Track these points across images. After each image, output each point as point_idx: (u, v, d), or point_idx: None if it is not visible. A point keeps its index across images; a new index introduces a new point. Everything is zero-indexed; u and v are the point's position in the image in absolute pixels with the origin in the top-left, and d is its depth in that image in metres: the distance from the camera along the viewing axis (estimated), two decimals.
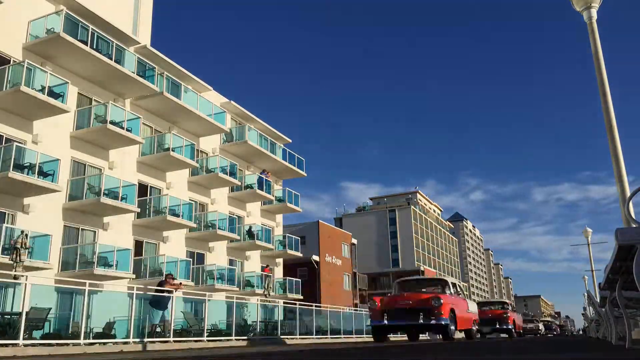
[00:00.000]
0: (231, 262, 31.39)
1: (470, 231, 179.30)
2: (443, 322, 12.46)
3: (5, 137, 19.75)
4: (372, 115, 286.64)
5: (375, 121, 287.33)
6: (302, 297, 34.56)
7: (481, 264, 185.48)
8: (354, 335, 26.29)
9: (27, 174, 18.80)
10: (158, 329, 14.91)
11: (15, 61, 20.19)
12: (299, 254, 37.34)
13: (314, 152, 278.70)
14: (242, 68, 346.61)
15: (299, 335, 22.02)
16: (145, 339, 13.86)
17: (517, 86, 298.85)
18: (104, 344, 13.02)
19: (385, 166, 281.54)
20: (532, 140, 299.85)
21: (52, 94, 20.00)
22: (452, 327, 12.94)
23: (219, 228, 28.50)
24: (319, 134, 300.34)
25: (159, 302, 14.95)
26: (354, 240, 59.42)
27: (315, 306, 24.63)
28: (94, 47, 22.20)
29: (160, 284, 15.87)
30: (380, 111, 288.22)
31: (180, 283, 18.20)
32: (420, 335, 17.91)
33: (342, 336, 25.11)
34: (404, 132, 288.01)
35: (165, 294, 15.14)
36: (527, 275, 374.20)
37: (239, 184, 31.51)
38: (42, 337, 12.78)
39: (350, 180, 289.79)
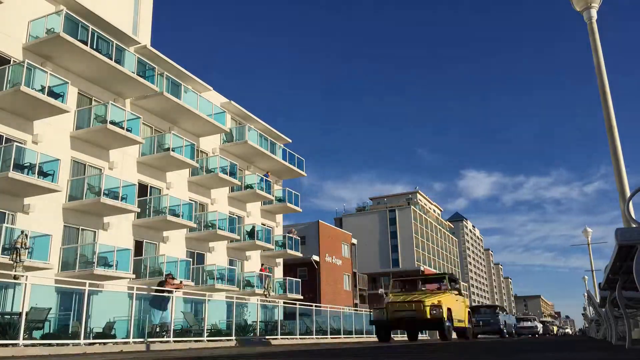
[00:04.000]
0: (231, 262, 31.39)
1: (470, 231, 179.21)
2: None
3: (5, 137, 19.75)
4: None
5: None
6: (302, 297, 34.55)
7: (481, 264, 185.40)
8: (354, 335, 26.29)
9: (27, 174, 18.79)
10: (158, 329, 14.91)
11: (15, 61, 20.19)
12: (299, 254, 37.34)
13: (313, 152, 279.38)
14: (242, 68, 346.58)
15: (299, 335, 22.02)
16: (146, 339, 13.86)
17: (517, 86, 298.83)
18: (104, 344, 13.02)
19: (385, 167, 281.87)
20: (531, 140, 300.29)
21: (52, 94, 19.99)
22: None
23: (219, 228, 28.50)
24: (318, 133, 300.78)
25: (160, 303, 14.95)
26: (354, 240, 59.42)
27: (315, 306, 24.63)
28: (94, 47, 22.19)
29: (161, 284, 15.87)
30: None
31: (181, 282, 18.20)
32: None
33: (342, 336, 25.11)
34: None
35: (165, 294, 15.14)
36: (527, 273, 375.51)
37: (239, 184, 31.51)
38: (42, 337, 12.77)
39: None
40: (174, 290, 15.46)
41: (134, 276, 22.37)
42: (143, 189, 25.61)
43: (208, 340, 16.10)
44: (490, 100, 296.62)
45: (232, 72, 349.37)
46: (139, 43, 26.03)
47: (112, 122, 22.32)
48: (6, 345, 10.70)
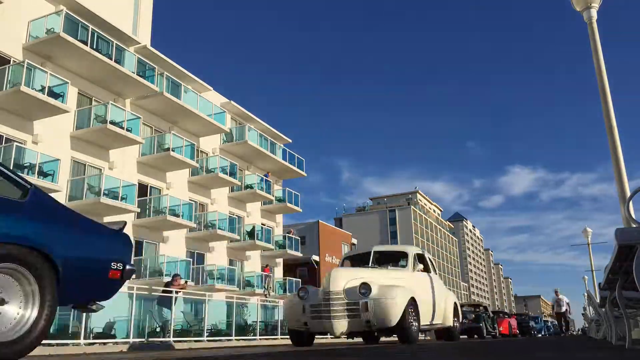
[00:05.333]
0: (231, 262, 31.40)
1: (470, 231, 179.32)
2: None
3: (5, 137, 19.76)
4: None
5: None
6: None
7: (481, 264, 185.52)
8: None
9: (27, 174, 18.80)
10: (158, 329, 14.92)
11: (15, 61, 20.20)
12: (299, 254, 37.36)
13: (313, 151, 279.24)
14: (242, 68, 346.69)
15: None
16: (146, 339, 13.87)
17: (516, 86, 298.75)
18: (104, 344, 13.02)
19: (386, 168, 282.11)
20: (532, 140, 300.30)
21: (52, 94, 20.01)
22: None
23: (219, 228, 28.52)
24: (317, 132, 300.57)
25: (168, 302, 15.04)
26: (354, 240, 59.45)
27: None
28: (94, 47, 22.21)
29: (167, 284, 15.91)
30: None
31: (186, 282, 18.23)
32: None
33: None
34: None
35: (172, 294, 15.19)
36: (527, 272, 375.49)
37: (239, 184, 31.53)
38: None
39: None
40: (179, 290, 15.48)
41: (134, 276, 22.38)
42: (143, 189, 25.62)
43: (208, 340, 16.11)
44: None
45: (232, 72, 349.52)
46: (139, 43, 26.05)
47: (112, 122, 22.33)
48: None
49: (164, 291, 15.38)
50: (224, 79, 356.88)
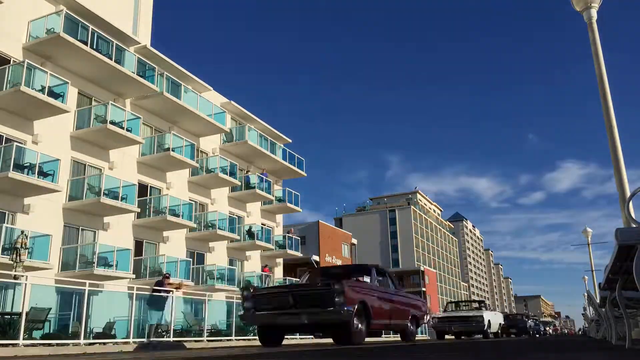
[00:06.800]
0: (231, 262, 31.39)
1: (470, 231, 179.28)
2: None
3: (5, 137, 19.75)
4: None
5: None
6: None
7: (481, 264, 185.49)
8: None
9: (27, 174, 18.80)
10: (158, 330, 14.91)
11: (15, 61, 20.19)
12: (299, 254, 37.35)
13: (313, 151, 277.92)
14: (242, 68, 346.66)
15: (299, 335, 21.98)
16: (147, 339, 13.87)
17: (517, 86, 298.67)
18: (104, 344, 13.02)
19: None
20: (495, 145, 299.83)
21: (52, 94, 19.99)
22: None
23: (219, 228, 28.51)
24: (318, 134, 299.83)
25: (157, 302, 14.93)
26: (354, 240, 59.43)
27: None
28: (94, 47, 22.19)
29: (158, 284, 15.84)
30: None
31: (181, 282, 18.12)
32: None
33: None
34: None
35: (162, 294, 15.12)
36: (527, 271, 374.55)
37: (239, 184, 31.52)
38: (42, 337, 12.77)
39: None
40: (173, 290, 15.42)
41: (134, 276, 22.37)
42: (143, 189, 25.61)
43: (208, 341, 16.10)
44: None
45: (232, 72, 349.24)
46: (139, 43, 26.04)
47: (112, 122, 22.32)
48: (6, 345, 10.70)
49: (154, 291, 15.32)
50: (224, 79, 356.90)
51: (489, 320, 19.33)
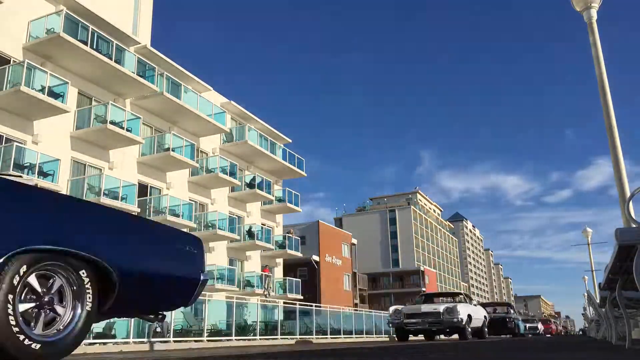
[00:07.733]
0: (231, 262, 31.41)
1: (470, 231, 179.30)
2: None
3: (5, 137, 19.76)
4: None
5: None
6: (302, 297, 34.57)
7: (481, 264, 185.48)
8: (354, 335, 26.30)
9: (27, 174, 18.79)
10: (158, 330, 14.90)
11: (15, 61, 20.19)
12: (299, 254, 37.36)
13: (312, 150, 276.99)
14: (242, 68, 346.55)
15: (299, 335, 22.02)
16: (148, 339, 13.87)
17: (516, 86, 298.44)
18: (104, 344, 13.02)
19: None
20: (530, 140, 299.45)
21: (52, 94, 20.00)
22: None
23: (219, 228, 28.52)
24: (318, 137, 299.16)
25: None
26: (354, 240, 59.44)
27: (315, 306, 24.63)
28: (94, 47, 22.20)
29: None
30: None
31: None
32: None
33: (342, 336, 25.12)
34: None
35: None
36: (526, 271, 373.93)
37: (239, 184, 31.54)
38: None
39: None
40: None
41: None
42: (143, 189, 25.62)
43: (208, 340, 16.11)
44: None
45: (232, 72, 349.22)
46: (139, 43, 26.04)
47: (112, 122, 22.33)
48: None
49: None
50: (224, 79, 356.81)
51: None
